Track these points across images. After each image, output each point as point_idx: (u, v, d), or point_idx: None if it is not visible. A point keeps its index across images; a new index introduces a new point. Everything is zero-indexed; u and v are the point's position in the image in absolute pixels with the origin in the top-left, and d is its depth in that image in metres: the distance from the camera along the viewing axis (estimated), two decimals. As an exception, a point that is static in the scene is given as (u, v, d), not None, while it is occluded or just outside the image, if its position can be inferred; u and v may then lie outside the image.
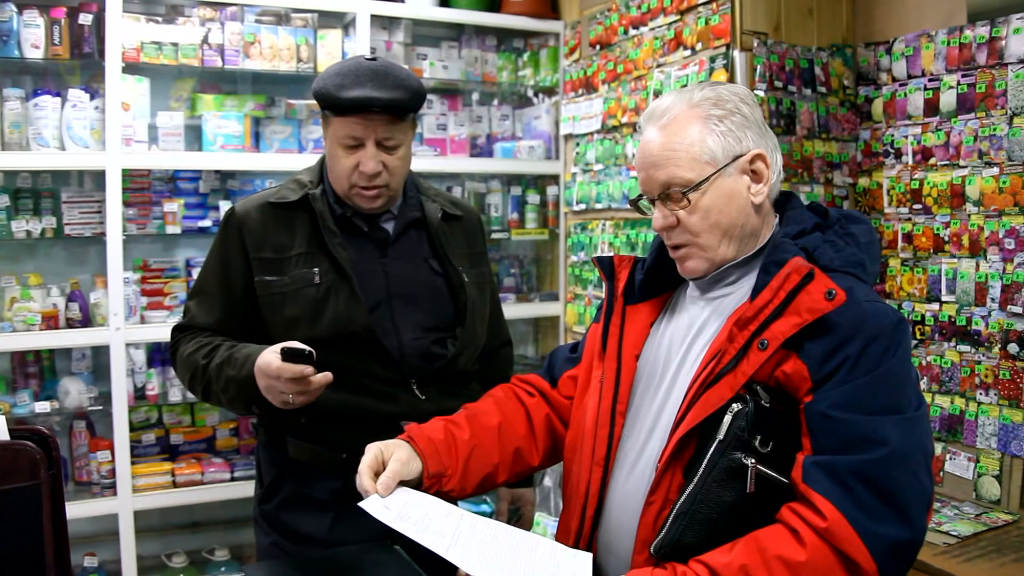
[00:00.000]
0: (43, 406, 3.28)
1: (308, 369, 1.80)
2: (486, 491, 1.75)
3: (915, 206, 2.93)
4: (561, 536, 1.66)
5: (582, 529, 1.58)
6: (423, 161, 3.92)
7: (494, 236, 4.21)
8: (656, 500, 1.45)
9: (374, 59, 2.04)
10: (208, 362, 2.01)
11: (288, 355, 1.81)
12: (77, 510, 3.21)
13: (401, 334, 2.08)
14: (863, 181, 3.15)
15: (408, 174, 2.17)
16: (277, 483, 2.16)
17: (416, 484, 1.60)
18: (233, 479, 3.53)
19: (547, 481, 3.99)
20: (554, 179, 4.23)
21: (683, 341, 1.56)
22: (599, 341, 1.65)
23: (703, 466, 1.38)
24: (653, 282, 1.67)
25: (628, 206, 3.59)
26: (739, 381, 1.39)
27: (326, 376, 1.83)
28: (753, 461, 1.35)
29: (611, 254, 1.77)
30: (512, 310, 4.17)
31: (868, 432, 1.31)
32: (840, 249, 1.49)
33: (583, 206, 3.98)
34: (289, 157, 3.68)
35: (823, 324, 1.36)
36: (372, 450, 1.58)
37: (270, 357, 1.84)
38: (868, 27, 3.19)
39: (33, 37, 3.23)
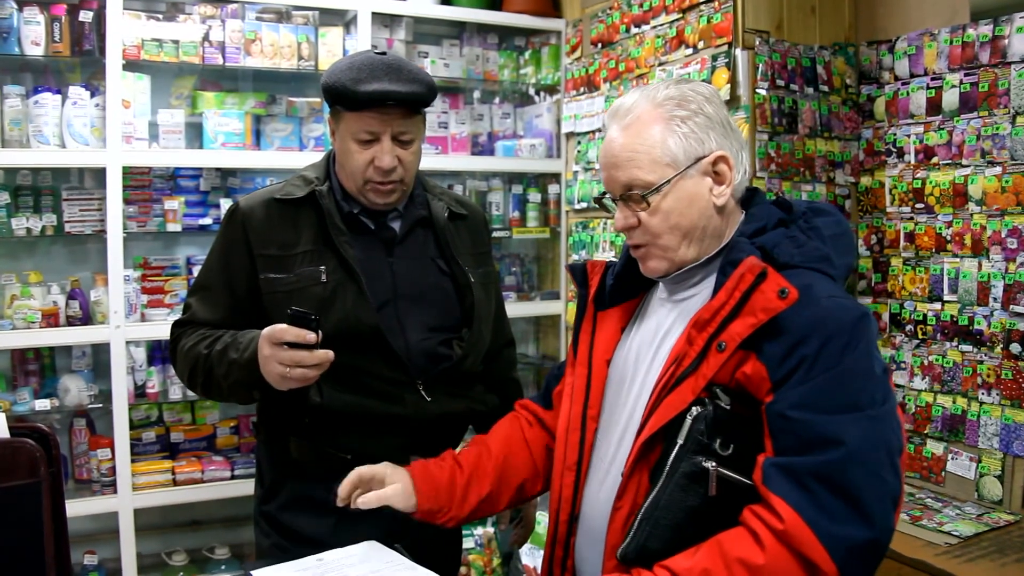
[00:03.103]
0: (43, 404, 3.27)
1: (311, 335, 1.76)
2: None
3: (917, 205, 2.93)
4: (546, 543, 1.66)
5: (557, 534, 1.59)
6: (424, 159, 3.88)
7: (495, 235, 4.20)
8: (624, 505, 1.44)
9: (384, 53, 2.01)
10: (210, 351, 1.98)
11: (293, 318, 1.78)
12: (77, 508, 3.21)
13: (408, 334, 2.05)
14: (865, 180, 3.14)
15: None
16: (279, 484, 2.14)
17: (407, 514, 1.73)
18: (233, 477, 3.53)
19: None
20: (555, 177, 4.23)
21: (651, 344, 1.55)
22: (572, 348, 1.68)
23: (665, 471, 1.37)
24: (623, 287, 1.66)
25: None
26: (700, 384, 1.38)
27: (327, 354, 1.79)
28: (714, 464, 1.34)
29: (584, 260, 1.78)
30: (513, 309, 4.16)
31: (827, 432, 1.29)
32: (801, 244, 1.46)
33: (584, 204, 3.98)
34: (290, 155, 3.67)
35: (780, 324, 1.34)
36: (375, 470, 1.65)
37: (277, 324, 1.82)
38: (870, 26, 3.18)
39: (34, 34, 3.22)
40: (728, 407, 1.36)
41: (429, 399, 2.04)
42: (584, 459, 1.57)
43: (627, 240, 1.55)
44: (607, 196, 1.58)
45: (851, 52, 3.20)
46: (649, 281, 1.62)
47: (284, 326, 1.78)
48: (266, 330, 1.82)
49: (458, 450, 1.89)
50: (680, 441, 1.36)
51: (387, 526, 1.96)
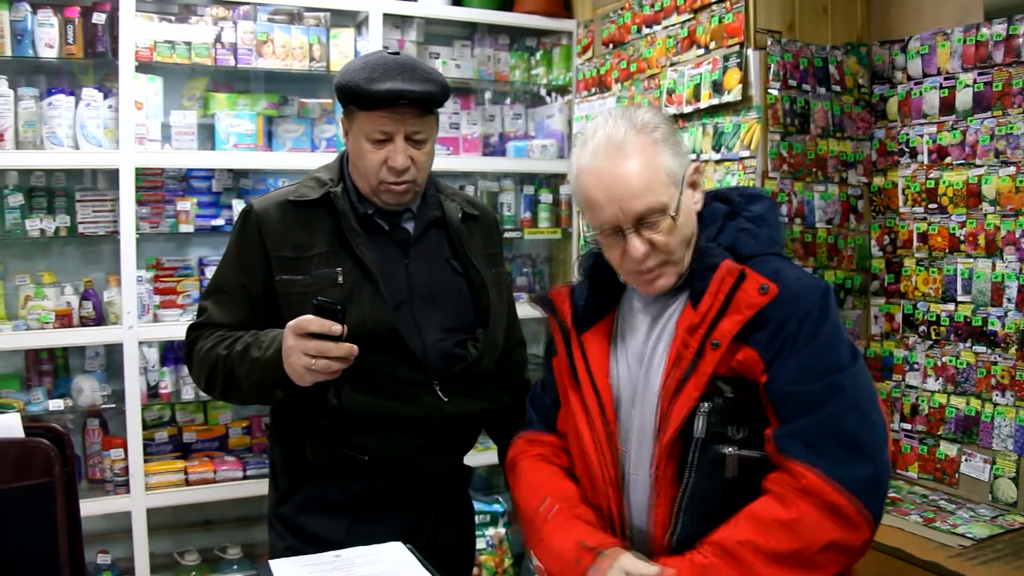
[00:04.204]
0: (57, 404, 3.29)
1: (336, 327, 1.76)
2: None
3: (930, 205, 2.91)
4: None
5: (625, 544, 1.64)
6: (436, 160, 3.88)
7: (507, 235, 4.20)
8: (660, 503, 1.57)
9: (397, 53, 2.01)
10: (230, 351, 1.97)
11: (319, 308, 1.79)
12: (90, 508, 3.22)
13: (424, 335, 2.04)
14: (878, 180, 3.13)
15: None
16: (293, 486, 2.14)
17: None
18: (245, 477, 3.54)
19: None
20: (567, 178, 4.21)
21: (643, 353, 1.66)
22: (569, 373, 1.72)
23: (690, 465, 1.53)
24: (595, 307, 1.75)
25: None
26: (702, 381, 1.53)
27: (352, 347, 1.79)
28: (731, 449, 1.52)
29: (543, 293, 1.87)
30: (524, 309, 4.15)
31: (820, 394, 1.48)
32: (756, 235, 1.63)
33: (596, 205, 3.97)
34: (302, 156, 3.68)
35: (762, 312, 1.51)
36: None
37: (303, 316, 1.82)
38: (883, 25, 3.17)
39: (47, 36, 3.24)
40: (732, 396, 1.53)
41: (446, 400, 2.03)
42: (619, 472, 1.66)
43: (636, 267, 1.59)
44: (604, 231, 1.61)
45: (863, 52, 3.19)
46: (616, 296, 1.75)
47: (310, 316, 1.78)
48: (292, 321, 1.82)
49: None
50: (699, 435, 1.52)
51: (403, 527, 1.97)
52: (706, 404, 1.52)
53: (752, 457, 1.52)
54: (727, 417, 1.53)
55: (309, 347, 1.78)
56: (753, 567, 1.44)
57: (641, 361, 1.66)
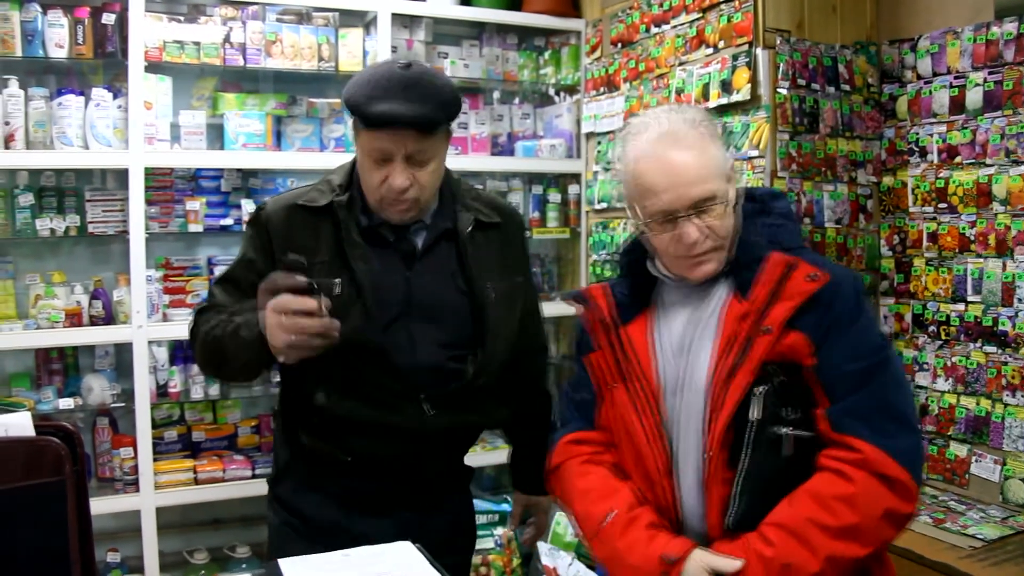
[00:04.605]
0: (67, 403, 3.30)
1: (311, 303, 1.74)
2: None
3: (940, 205, 2.91)
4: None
5: (677, 532, 1.71)
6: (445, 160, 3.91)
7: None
8: (714, 486, 1.63)
9: (408, 65, 1.93)
10: (223, 332, 1.97)
11: (286, 266, 1.81)
12: (100, 506, 3.23)
13: (417, 350, 2.01)
14: (887, 180, 3.13)
15: (446, 179, 2.10)
16: (290, 467, 2.16)
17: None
18: (254, 476, 3.54)
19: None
20: (575, 178, 4.22)
21: (683, 345, 1.72)
22: (614, 367, 1.78)
23: (747, 446, 1.60)
24: (633, 302, 1.81)
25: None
26: (753, 366, 1.60)
27: (332, 323, 1.77)
28: (786, 429, 1.59)
29: (576, 290, 1.95)
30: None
31: (868, 372, 1.58)
32: (790, 229, 1.74)
33: (604, 205, 3.97)
34: (310, 156, 3.68)
35: (811, 299, 1.60)
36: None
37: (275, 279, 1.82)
38: (893, 24, 3.17)
39: (57, 37, 3.25)
40: (783, 379, 1.60)
41: (431, 413, 2.01)
42: (669, 460, 1.71)
43: (689, 251, 1.66)
44: (659, 217, 1.66)
45: (873, 51, 3.18)
46: (650, 291, 1.81)
47: (288, 296, 1.76)
48: (272, 300, 1.80)
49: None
50: (755, 417, 1.59)
51: (396, 523, 1.99)
52: (760, 388, 1.59)
53: (804, 436, 1.60)
54: (781, 399, 1.60)
55: (285, 324, 1.76)
56: (817, 544, 1.51)
57: (681, 352, 1.72)
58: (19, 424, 1.13)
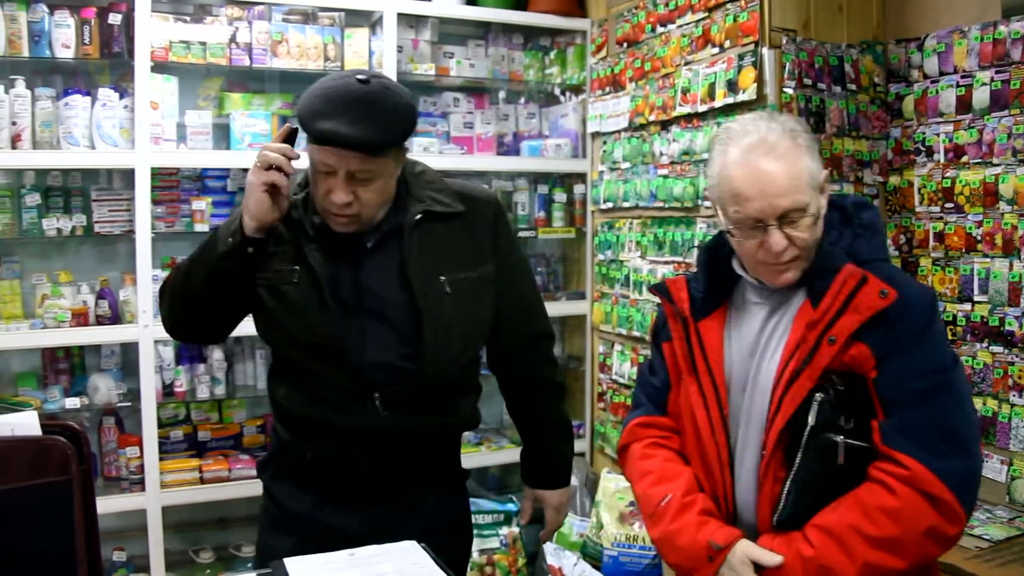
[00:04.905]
0: (73, 402, 3.31)
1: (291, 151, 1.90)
2: None
3: (947, 205, 2.90)
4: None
5: (730, 521, 1.80)
6: (450, 160, 3.92)
7: (521, 235, 4.20)
8: (767, 483, 1.70)
9: (367, 81, 1.88)
10: (191, 257, 2.05)
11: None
12: (106, 505, 3.23)
13: (368, 347, 2.00)
14: (894, 180, 3.12)
15: (403, 174, 2.06)
16: (272, 455, 2.23)
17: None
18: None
19: (573, 480, 3.98)
20: (581, 177, 4.22)
21: (758, 343, 1.79)
22: (686, 360, 1.85)
23: (801, 449, 1.65)
24: (710, 298, 1.86)
25: (655, 204, 3.58)
26: (816, 373, 1.65)
27: (283, 148, 1.91)
28: (841, 437, 1.63)
29: (661, 281, 1.97)
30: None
31: (927, 392, 1.61)
32: (870, 241, 1.76)
33: (610, 204, 3.97)
34: (316, 155, 3.68)
35: (879, 314, 1.63)
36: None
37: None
38: (899, 23, 3.16)
39: (64, 37, 3.26)
40: (842, 388, 1.65)
41: (384, 413, 2.00)
42: (729, 453, 1.80)
43: (773, 259, 1.70)
44: (747, 224, 1.70)
45: (879, 50, 3.17)
46: (729, 289, 1.86)
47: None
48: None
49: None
50: (811, 423, 1.64)
51: (367, 520, 2.03)
52: (819, 395, 1.64)
53: (858, 446, 1.64)
54: (838, 408, 1.64)
55: (261, 163, 1.90)
56: (857, 551, 1.57)
57: (753, 352, 1.78)
58: (26, 423, 1.13)
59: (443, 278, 2.03)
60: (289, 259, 2.00)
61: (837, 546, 1.59)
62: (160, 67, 3.40)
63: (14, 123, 3.19)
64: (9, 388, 3.41)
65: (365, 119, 1.83)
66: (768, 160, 1.66)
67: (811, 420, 1.64)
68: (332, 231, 1.99)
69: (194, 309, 2.06)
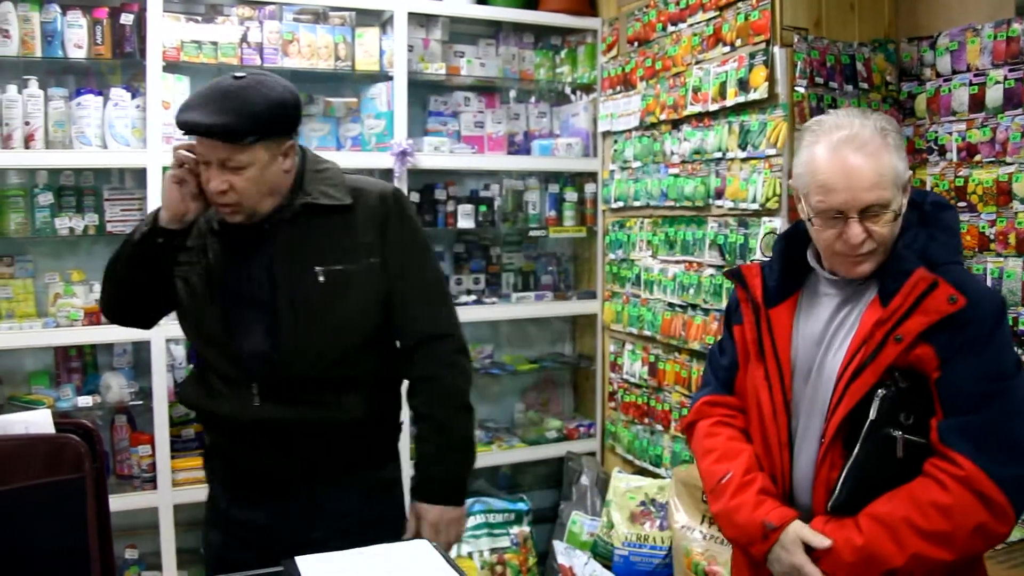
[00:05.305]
0: (85, 400, 3.32)
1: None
2: None
3: (960, 204, 2.88)
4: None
5: (787, 501, 1.86)
6: (460, 159, 3.93)
7: (532, 234, 4.21)
8: (823, 469, 1.76)
9: (241, 78, 1.98)
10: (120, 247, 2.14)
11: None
12: (118, 503, 3.23)
13: (248, 337, 2.05)
14: (906, 178, 3.10)
15: (299, 168, 2.10)
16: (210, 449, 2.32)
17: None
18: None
19: (584, 480, 3.98)
20: (592, 176, 4.22)
21: (825, 334, 1.84)
22: (755, 344, 1.92)
23: (860, 441, 1.70)
24: (782, 287, 1.92)
25: (666, 203, 3.58)
26: (879, 370, 1.70)
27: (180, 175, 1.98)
28: (900, 432, 1.68)
29: (737, 266, 2.05)
30: (550, 308, 4.18)
31: (987, 396, 1.65)
32: (945, 244, 1.79)
33: (621, 204, 3.97)
34: (327, 155, 3.65)
35: (947, 318, 1.67)
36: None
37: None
38: (911, 21, 3.15)
39: (76, 37, 3.28)
40: (905, 386, 1.70)
41: (260, 403, 2.04)
42: (789, 437, 1.86)
43: (850, 250, 1.75)
44: (829, 214, 1.75)
45: (891, 49, 3.16)
46: (802, 278, 1.92)
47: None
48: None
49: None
50: (872, 416, 1.69)
51: (271, 507, 2.09)
52: (881, 390, 1.69)
53: (916, 442, 1.69)
54: (899, 404, 1.69)
55: (175, 159, 1.99)
56: (906, 542, 1.63)
57: (820, 343, 1.84)
58: (40, 422, 1.14)
59: (317, 268, 2.05)
60: (196, 252, 2.09)
61: (888, 535, 1.65)
62: (172, 67, 3.40)
63: (27, 123, 3.21)
64: (22, 386, 3.43)
65: (223, 110, 1.90)
66: (857, 155, 1.72)
67: (872, 414, 1.69)
68: (235, 225, 2.06)
69: (118, 292, 2.17)
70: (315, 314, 2.04)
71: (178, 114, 1.94)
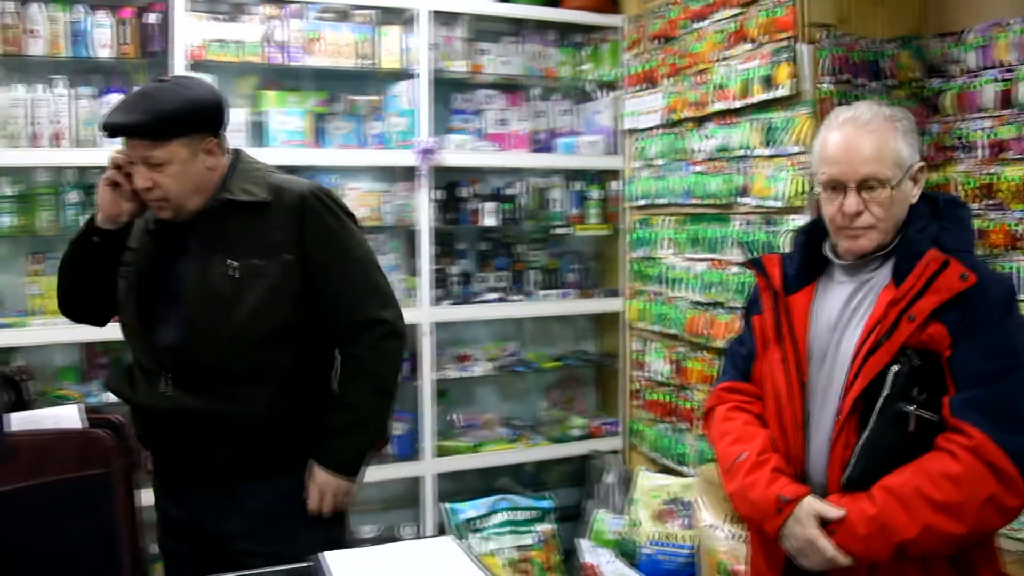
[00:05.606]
0: (113, 396, 3.34)
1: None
2: None
3: (988, 202, 2.86)
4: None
5: (800, 480, 1.90)
6: (484, 156, 3.93)
7: (556, 231, 4.20)
8: (838, 447, 1.81)
9: (164, 81, 2.13)
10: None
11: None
12: (147, 497, 3.26)
13: (162, 330, 2.13)
14: (933, 176, 3.08)
15: (231, 168, 2.18)
16: None
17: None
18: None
19: (608, 478, 3.97)
20: (615, 174, 4.21)
21: (840, 319, 1.91)
22: (772, 330, 1.99)
23: (875, 415, 1.75)
24: (801, 275, 2.00)
25: (690, 201, 3.57)
26: (893, 348, 1.76)
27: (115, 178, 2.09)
28: (913, 407, 1.73)
29: (757, 256, 2.12)
30: (574, 306, 4.18)
31: (997, 372, 1.71)
32: (956, 235, 1.86)
33: (645, 201, 3.95)
34: (351, 152, 3.71)
35: (958, 296, 1.74)
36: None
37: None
38: (939, 17, 3.12)
39: (103, 37, 3.31)
40: (918, 363, 1.75)
41: (169, 393, 2.10)
42: (804, 418, 1.91)
43: (848, 223, 1.85)
44: (828, 184, 1.88)
45: (918, 45, 3.14)
46: (821, 267, 1.99)
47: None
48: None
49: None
50: (886, 392, 1.74)
51: (192, 500, 2.17)
52: (895, 366, 1.75)
53: (928, 418, 1.74)
54: (912, 379, 1.74)
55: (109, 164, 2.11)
56: (918, 512, 1.67)
57: (835, 327, 1.90)
58: (69, 417, 1.15)
59: (230, 262, 2.11)
60: (135, 252, 2.20)
61: (899, 506, 1.69)
62: (196, 66, 3.42)
63: (56, 122, 3.24)
64: (51, 382, 3.46)
65: (138, 109, 2.02)
66: (858, 132, 1.85)
67: (886, 389, 1.75)
68: (165, 223, 2.16)
69: (64, 288, 2.26)
70: (223, 306, 2.11)
71: (104, 117, 2.07)
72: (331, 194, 2.27)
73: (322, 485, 2.19)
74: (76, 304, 2.29)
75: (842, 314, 1.91)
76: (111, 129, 2.04)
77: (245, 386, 2.12)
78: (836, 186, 1.86)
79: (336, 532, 2.25)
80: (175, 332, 2.11)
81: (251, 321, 2.11)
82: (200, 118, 2.09)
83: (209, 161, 2.12)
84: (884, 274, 1.88)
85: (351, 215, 2.29)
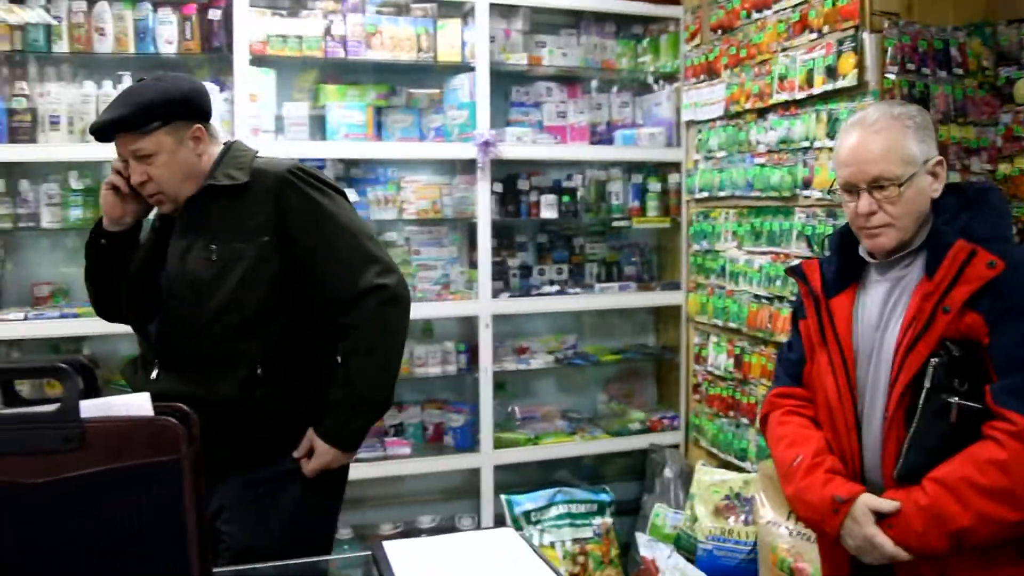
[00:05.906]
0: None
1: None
2: None
3: (1061, 192, 2.78)
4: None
5: (857, 479, 1.94)
6: (543, 149, 3.92)
7: (615, 224, 4.19)
8: (889, 443, 1.85)
9: (141, 80, 2.20)
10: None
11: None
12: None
13: (155, 319, 2.19)
14: (1004, 168, 3.00)
15: (219, 157, 2.21)
16: None
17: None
18: (357, 460, 3.58)
19: (667, 472, 3.95)
20: (676, 167, 4.17)
21: (880, 317, 1.94)
22: (817, 333, 2.02)
23: (919, 409, 1.78)
24: (841, 278, 2.03)
25: (752, 193, 3.53)
26: (932, 341, 1.79)
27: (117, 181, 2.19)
28: (955, 399, 1.75)
29: (798, 263, 2.15)
30: (634, 299, 4.15)
31: None
32: (987, 221, 1.88)
33: (706, 194, 3.92)
34: (410, 145, 3.73)
35: (990, 284, 1.76)
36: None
37: None
38: (1010, 3, 3.04)
39: (167, 33, 3.37)
40: (958, 354, 1.77)
41: (155, 379, 2.16)
42: (856, 418, 1.94)
43: (864, 223, 1.89)
44: (844, 187, 1.93)
45: (988, 32, 3.06)
46: (859, 270, 2.01)
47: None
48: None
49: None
50: (928, 385, 1.77)
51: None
52: (935, 359, 1.77)
53: (972, 408, 1.75)
54: (953, 371, 1.76)
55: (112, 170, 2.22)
56: (969, 501, 1.69)
57: (877, 326, 1.93)
58: (140, 404, 1.17)
59: (212, 247, 2.14)
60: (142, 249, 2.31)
61: (951, 496, 1.71)
62: (258, 60, 3.47)
63: (122, 117, 3.30)
64: (116, 372, 3.52)
65: (119, 105, 2.10)
66: (865, 133, 1.88)
67: (927, 383, 1.77)
68: (167, 218, 2.25)
69: (91, 292, 2.38)
70: (202, 291, 2.14)
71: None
72: (310, 170, 2.24)
73: (320, 453, 2.19)
74: (104, 306, 2.38)
75: (882, 313, 1.94)
76: (97, 130, 2.10)
77: (209, 371, 2.13)
78: (850, 188, 1.90)
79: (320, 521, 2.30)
80: (160, 320, 2.18)
81: (229, 306, 2.12)
82: (180, 106, 2.14)
83: (197, 148, 2.17)
84: (917, 270, 1.91)
85: (336, 188, 2.26)
